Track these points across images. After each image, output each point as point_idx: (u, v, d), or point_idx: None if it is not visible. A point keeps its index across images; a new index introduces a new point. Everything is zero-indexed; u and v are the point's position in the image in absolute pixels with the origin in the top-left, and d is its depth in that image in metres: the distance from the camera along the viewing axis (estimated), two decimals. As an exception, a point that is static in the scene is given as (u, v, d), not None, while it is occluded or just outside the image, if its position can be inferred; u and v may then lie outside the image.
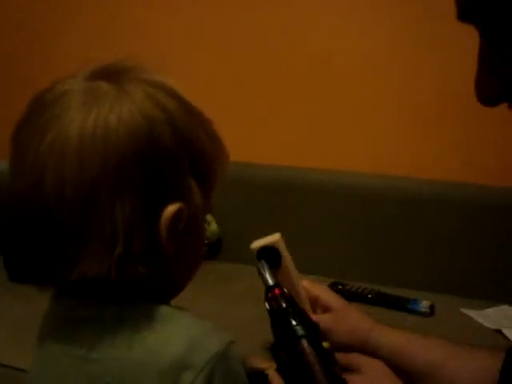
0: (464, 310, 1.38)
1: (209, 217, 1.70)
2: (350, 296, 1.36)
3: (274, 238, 0.91)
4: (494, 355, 0.82)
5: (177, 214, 0.58)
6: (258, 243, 0.90)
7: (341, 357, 0.79)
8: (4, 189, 0.59)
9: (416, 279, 1.54)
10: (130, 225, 0.55)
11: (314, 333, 0.74)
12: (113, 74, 0.60)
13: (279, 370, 0.75)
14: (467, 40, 0.64)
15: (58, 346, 0.62)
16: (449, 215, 1.56)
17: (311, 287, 0.95)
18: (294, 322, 0.74)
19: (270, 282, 0.83)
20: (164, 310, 0.60)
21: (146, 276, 0.57)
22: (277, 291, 0.80)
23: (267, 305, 0.80)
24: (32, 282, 0.61)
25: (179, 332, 0.58)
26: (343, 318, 0.91)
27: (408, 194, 1.61)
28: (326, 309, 0.93)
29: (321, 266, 1.53)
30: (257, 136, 1.84)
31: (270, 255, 0.89)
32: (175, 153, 0.58)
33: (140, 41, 1.88)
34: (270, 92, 1.83)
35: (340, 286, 1.43)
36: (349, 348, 0.86)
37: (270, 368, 0.76)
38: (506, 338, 1.23)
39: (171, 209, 0.57)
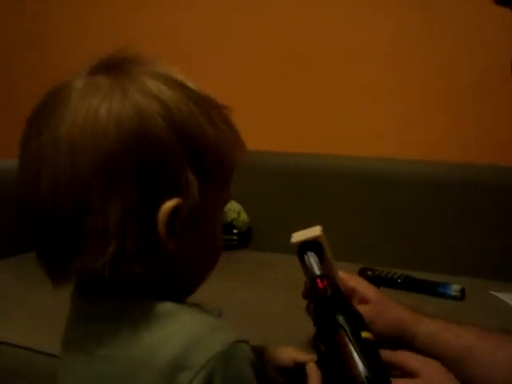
0: (494, 293, 1.37)
1: (238, 207, 1.72)
2: (379, 281, 1.37)
3: (315, 231, 0.87)
4: None
5: (174, 210, 0.56)
6: (298, 237, 0.86)
7: (390, 357, 0.75)
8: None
9: (445, 263, 1.54)
10: (122, 222, 0.54)
11: (357, 324, 0.70)
12: (113, 67, 0.59)
13: (319, 364, 0.71)
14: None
15: (73, 341, 0.63)
16: (479, 199, 1.55)
17: (347, 279, 0.94)
18: (336, 312, 0.70)
19: (317, 271, 0.80)
20: (166, 306, 0.58)
21: (147, 274, 0.57)
22: (323, 281, 0.77)
23: (313, 295, 0.78)
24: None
25: (179, 330, 0.56)
26: (382, 310, 0.91)
27: (436, 178, 1.62)
28: (363, 300, 0.92)
29: (350, 252, 1.54)
30: (284, 125, 1.85)
31: (312, 249, 0.85)
32: (169, 146, 0.56)
33: (154, 38, 1.91)
34: (293, 82, 1.84)
35: (369, 272, 1.44)
36: (387, 339, 0.86)
37: (311, 361, 0.73)
38: (537, 320, 1.23)
39: (168, 205, 0.55)
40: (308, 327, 1.02)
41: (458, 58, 1.63)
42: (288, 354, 0.79)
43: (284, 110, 1.86)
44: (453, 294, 1.34)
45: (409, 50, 1.70)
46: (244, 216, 1.74)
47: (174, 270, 0.60)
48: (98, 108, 0.55)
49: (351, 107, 1.78)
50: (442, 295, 1.35)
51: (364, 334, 0.69)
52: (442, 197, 1.59)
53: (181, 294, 0.63)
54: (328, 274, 0.83)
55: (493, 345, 0.85)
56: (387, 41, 1.72)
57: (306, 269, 0.84)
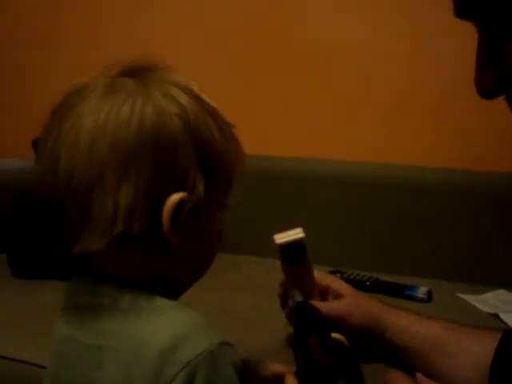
0: (461, 295, 1.39)
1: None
2: (348, 284, 1.38)
3: (298, 233, 0.89)
4: (495, 335, 0.85)
5: (179, 204, 0.60)
6: (281, 238, 0.88)
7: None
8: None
9: (414, 265, 1.56)
10: (131, 207, 0.58)
11: (326, 331, 0.71)
12: (136, 72, 0.64)
13: (297, 374, 0.73)
14: (462, 31, 0.66)
15: (66, 329, 0.65)
16: (446, 201, 1.57)
17: (321, 277, 0.99)
18: (337, 379, 0.68)
19: (299, 298, 0.84)
20: (161, 301, 0.61)
21: (147, 263, 0.62)
22: (303, 306, 0.80)
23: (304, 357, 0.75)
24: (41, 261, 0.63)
25: (169, 325, 0.59)
26: (356, 304, 0.95)
27: (405, 182, 1.63)
28: (338, 297, 0.97)
29: (319, 255, 1.54)
30: (257, 128, 1.86)
31: (294, 250, 0.87)
32: (183, 144, 0.60)
33: (154, 40, 1.90)
34: (279, 86, 1.85)
35: (338, 274, 1.44)
36: (361, 331, 0.91)
37: (289, 372, 0.74)
38: (502, 322, 1.24)
39: (175, 197, 0.59)
40: (275, 330, 1.03)
41: (445, 63, 1.65)
42: (269, 366, 0.79)
43: (266, 114, 1.86)
44: (420, 296, 1.35)
45: (396, 56, 1.72)
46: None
47: (171, 266, 0.64)
48: (122, 105, 0.60)
49: (333, 112, 1.80)
50: (410, 297, 1.36)
51: (333, 335, 0.70)
52: (411, 200, 1.61)
53: (174, 291, 0.65)
54: (307, 276, 0.88)
55: (459, 336, 0.88)
56: (376, 44, 1.74)
57: (290, 275, 0.84)
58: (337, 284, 0.99)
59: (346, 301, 0.95)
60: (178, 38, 1.94)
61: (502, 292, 1.41)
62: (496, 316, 1.27)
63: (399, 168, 1.66)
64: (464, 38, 0.74)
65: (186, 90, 0.64)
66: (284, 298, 0.99)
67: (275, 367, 0.77)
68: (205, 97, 0.66)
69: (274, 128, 1.85)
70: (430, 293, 1.36)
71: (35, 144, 1.73)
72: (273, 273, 0.97)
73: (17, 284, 1.43)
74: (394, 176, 1.65)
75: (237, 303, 1.27)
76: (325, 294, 0.98)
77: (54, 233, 0.61)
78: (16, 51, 2.21)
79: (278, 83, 1.85)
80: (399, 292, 1.38)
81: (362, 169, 1.69)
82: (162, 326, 0.59)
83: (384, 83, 1.74)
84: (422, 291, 1.36)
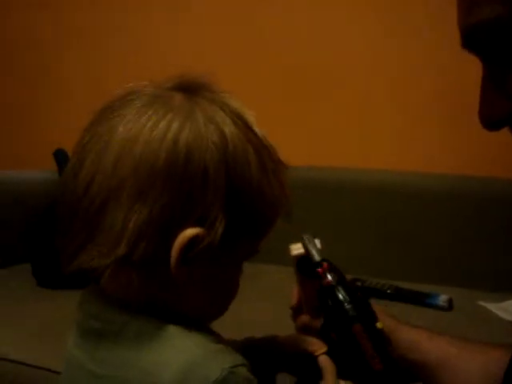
0: (482, 303, 1.39)
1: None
2: (369, 292, 1.38)
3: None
4: (507, 352, 0.84)
5: (193, 239, 0.55)
6: (298, 250, 0.83)
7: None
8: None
9: (434, 273, 1.56)
10: (140, 229, 0.54)
11: (367, 312, 0.71)
12: (192, 87, 0.59)
13: (330, 353, 0.70)
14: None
15: (77, 353, 0.62)
16: (466, 210, 1.57)
17: None
18: (345, 303, 0.70)
19: (317, 257, 0.78)
20: (168, 329, 0.57)
21: (151, 291, 0.57)
22: (325, 266, 0.75)
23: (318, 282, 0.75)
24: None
25: (178, 355, 0.55)
26: None
27: (426, 190, 1.63)
28: None
29: (339, 263, 1.55)
30: (272, 138, 1.86)
31: (310, 262, 0.81)
32: (213, 177, 0.55)
33: (152, 50, 1.92)
34: (282, 93, 1.86)
35: (359, 283, 1.45)
36: None
37: (320, 351, 0.71)
38: (524, 329, 1.24)
39: (190, 232, 0.54)
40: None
41: (451, 71, 1.65)
42: (296, 343, 0.75)
43: (280, 122, 1.87)
44: (441, 304, 1.35)
45: (406, 68, 1.72)
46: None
47: (176, 296, 0.59)
48: (159, 120, 0.55)
49: (343, 119, 1.80)
50: (431, 306, 1.36)
51: (379, 325, 0.70)
52: (430, 208, 1.61)
53: (187, 320, 0.60)
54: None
55: (470, 353, 0.87)
56: (386, 55, 1.74)
57: (306, 287, 0.83)
58: None
59: None
60: (175, 43, 1.96)
61: (523, 299, 1.40)
62: (517, 324, 1.27)
63: (419, 175, 1.67)
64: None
65: (236, 119, 0.58)
66: (296, 311, 0.98)
67: (305, 344, 0.74)
68: (258, 130, 0.60)
69: (289, 137, 1.85)
70: (450, 301, 1.36)
71: (56, 155, 1.77)
72: (292, 282, 0.97)
73: (41, 293, 1.45)
74: (414, 184, 1.65)
75: (254, 313, 1.27)
76: None
77: (61, 242, 0.58)
78: (45, 58, 2.25)
79: (292, 93, 1.86)
80: (420, 300, 1.38)
81: (381, 177, 1.69)
82: (171, 356, 0.55)
83: (397, 94, 1.74)
84: (442, 299, 1.36)
